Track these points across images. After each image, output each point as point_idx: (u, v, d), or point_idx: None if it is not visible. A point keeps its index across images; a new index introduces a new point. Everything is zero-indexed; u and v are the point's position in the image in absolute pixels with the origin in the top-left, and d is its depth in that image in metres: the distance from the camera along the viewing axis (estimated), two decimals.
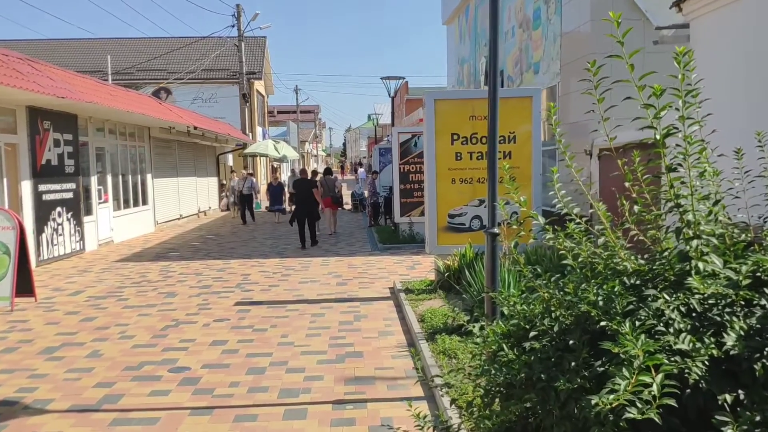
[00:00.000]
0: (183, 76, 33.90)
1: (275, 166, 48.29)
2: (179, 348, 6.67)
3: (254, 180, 23.04)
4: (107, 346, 6.75)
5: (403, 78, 20.91)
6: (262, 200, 26.96)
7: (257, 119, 39.88)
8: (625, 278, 2.94)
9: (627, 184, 3.35)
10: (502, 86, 18.07)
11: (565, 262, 3.82)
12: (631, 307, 2.64)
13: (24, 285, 8.70)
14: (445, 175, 8.93)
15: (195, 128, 21.07)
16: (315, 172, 20.55)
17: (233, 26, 30.71)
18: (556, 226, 4.03)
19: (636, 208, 3.20)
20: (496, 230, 5.31)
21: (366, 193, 20.30)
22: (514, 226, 4.58)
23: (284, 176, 50.22)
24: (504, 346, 3.33)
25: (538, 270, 4.06)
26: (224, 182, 28.10)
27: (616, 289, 2.77)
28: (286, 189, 22.89)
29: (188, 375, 5.82)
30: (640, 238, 3.26)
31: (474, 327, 3.68)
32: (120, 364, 6.12)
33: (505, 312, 3.82)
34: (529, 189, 8.84)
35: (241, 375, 5.80)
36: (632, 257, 3.08)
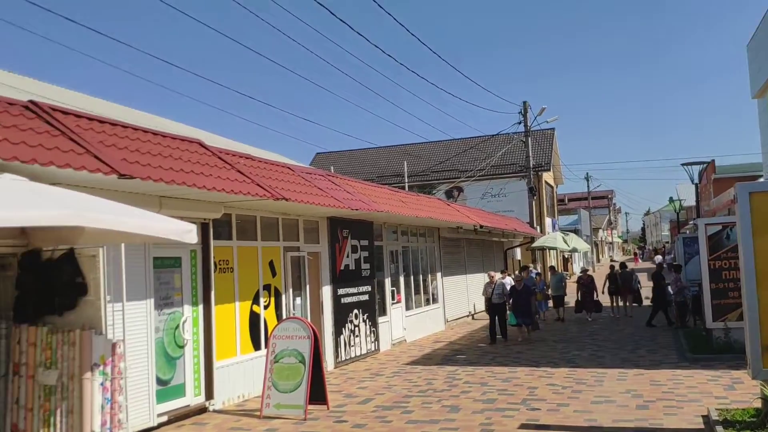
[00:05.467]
0: (473, 174, 35.12)
1: (566, 256, 46.78)
2: None
3: (507, 285, 17.00)
4: None
5: (707, 162, 18.75)
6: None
7: (546, 210, 39.37)
8: None
9: None
10: None
11: None
12: None
13: (317, 392, 9.08)
14: None
15: (481, 227, 21.27)
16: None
17: (520, 123, 31.09)
18: None
19: None
20: None
21: (671, 290, 18.12)
22: None
23: (576, 267, 48.18)
24: None
25: None
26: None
27: None
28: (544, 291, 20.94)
29: None
30: None
31: None
32: None
33: None
34: None
35: None
36: None
